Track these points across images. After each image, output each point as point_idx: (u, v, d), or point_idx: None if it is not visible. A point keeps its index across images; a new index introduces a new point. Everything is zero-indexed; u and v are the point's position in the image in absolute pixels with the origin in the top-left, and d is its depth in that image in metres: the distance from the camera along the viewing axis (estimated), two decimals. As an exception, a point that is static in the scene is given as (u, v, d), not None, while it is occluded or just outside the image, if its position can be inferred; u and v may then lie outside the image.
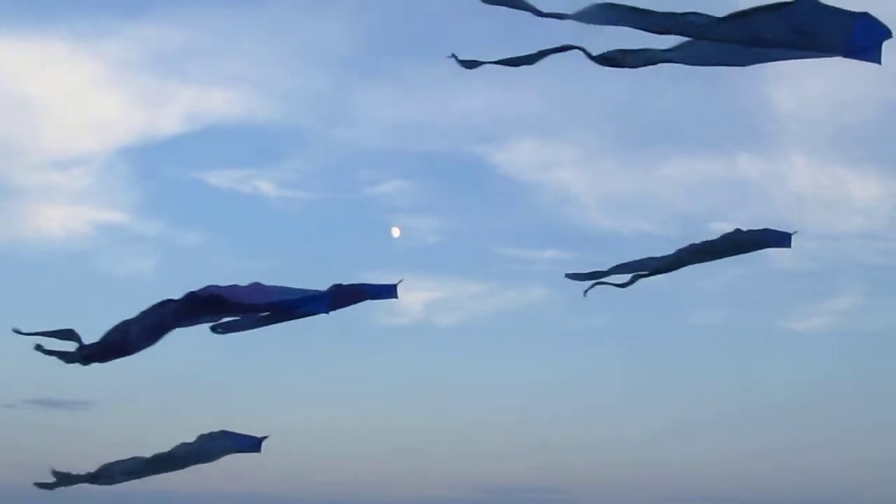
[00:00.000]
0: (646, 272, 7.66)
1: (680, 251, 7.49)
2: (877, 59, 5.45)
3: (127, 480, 7.83)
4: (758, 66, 6.03)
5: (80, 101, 31.23)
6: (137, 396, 24.31)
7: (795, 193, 28.62)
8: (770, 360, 29.37)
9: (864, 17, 5.38)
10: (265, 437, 7.66)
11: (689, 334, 31.00)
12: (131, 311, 6.70)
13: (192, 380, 24.62)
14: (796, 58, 5.85)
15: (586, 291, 7.73)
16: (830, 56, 5.61)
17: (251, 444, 7.64)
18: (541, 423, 27.95)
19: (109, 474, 7.80)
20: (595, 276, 7.71)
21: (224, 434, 7.74)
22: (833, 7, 5.39)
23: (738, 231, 7.44)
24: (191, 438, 7.76)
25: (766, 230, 7.46)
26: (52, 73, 30.38)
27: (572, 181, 32.59)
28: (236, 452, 7.67)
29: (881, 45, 5.43)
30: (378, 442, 26.42)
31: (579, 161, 32.36)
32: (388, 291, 7.12)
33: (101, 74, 30.23)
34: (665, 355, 29.57)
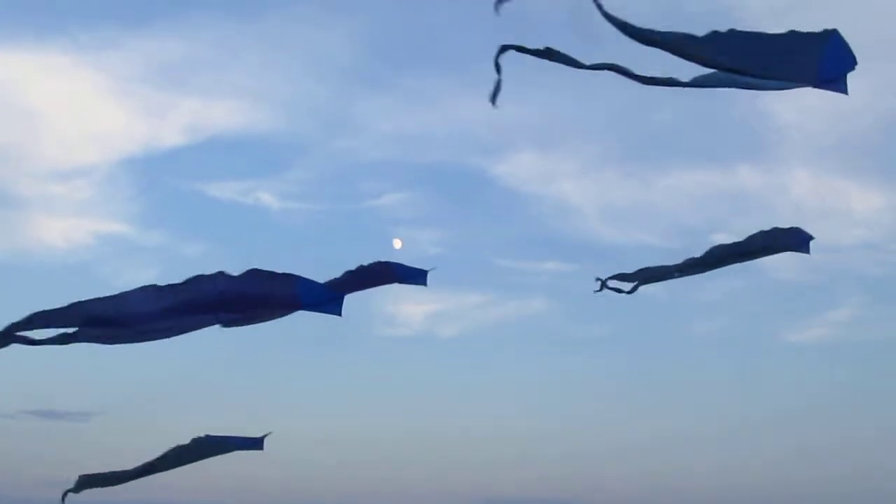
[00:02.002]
0: (677, 275, 7.63)
1: (705, 255, 7.42)
2: (843, 90, 5.35)
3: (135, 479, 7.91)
4: None
5: (82, 112, 31.53)
6: (136, 409, 24.38)
7: (796, 204, 28.83)
8: (770, 371, 29.51)
9: (833, 37, 5.26)
10: (267, 434, 7.76)
11: (689, 345, 31.15)
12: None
13: (192, 392, 24.70)
14: (767, 88, 5.61)
15: (601, 287, 7.61)
16: (800, 86, 5.44)
17: (253, 442, 7.72)
18: (542, 433, 28.03)
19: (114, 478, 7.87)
20: (632, 277, 7.62)
21: (225, 438, 7.84)
22: (800, 33, 5.24)
23: (768, 230, 7.37)
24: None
25: (793, 228, 7.37)
26: (55, 85, 30.72)
27: (573, 192, 32.83)
28: (239, 450, 7.77)
29: (847, 75, 5.33)
30: (379, 452, 26.51)
31: (580, 172, 32.63)
32: (418, 276, 6.87)
33: (103, 86, 30.53)
34: (666, 366, 29.70)
